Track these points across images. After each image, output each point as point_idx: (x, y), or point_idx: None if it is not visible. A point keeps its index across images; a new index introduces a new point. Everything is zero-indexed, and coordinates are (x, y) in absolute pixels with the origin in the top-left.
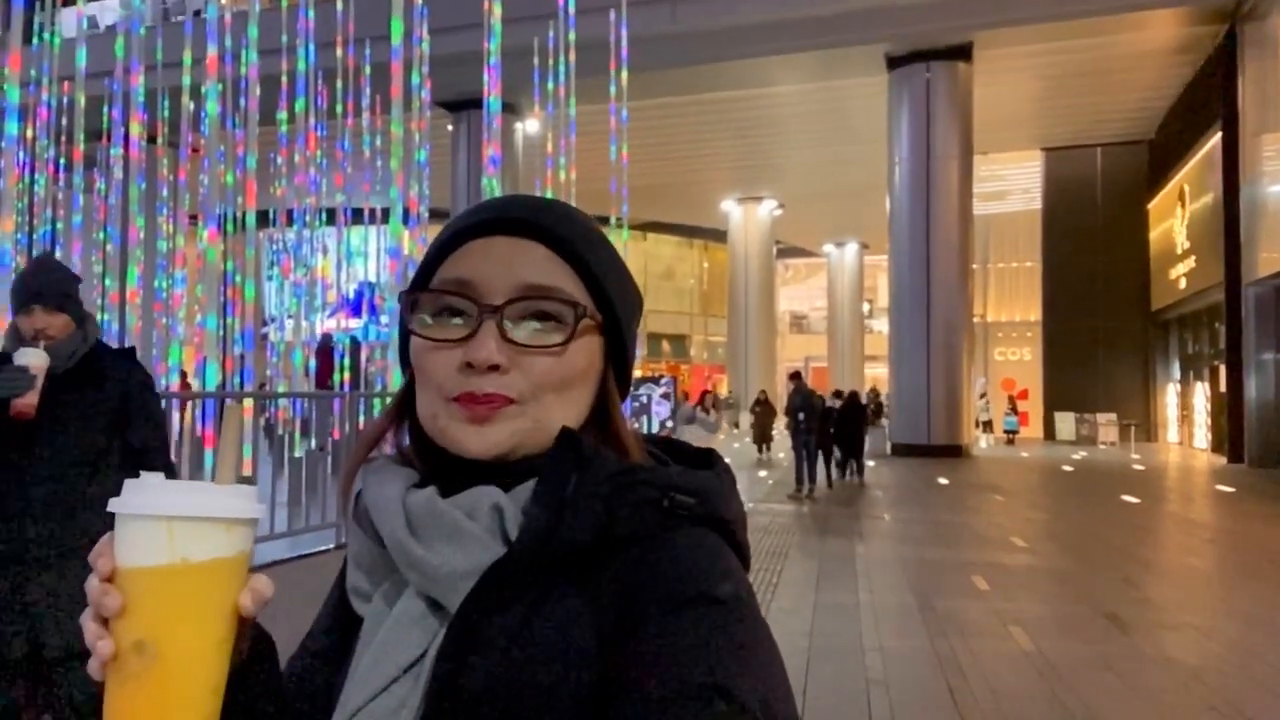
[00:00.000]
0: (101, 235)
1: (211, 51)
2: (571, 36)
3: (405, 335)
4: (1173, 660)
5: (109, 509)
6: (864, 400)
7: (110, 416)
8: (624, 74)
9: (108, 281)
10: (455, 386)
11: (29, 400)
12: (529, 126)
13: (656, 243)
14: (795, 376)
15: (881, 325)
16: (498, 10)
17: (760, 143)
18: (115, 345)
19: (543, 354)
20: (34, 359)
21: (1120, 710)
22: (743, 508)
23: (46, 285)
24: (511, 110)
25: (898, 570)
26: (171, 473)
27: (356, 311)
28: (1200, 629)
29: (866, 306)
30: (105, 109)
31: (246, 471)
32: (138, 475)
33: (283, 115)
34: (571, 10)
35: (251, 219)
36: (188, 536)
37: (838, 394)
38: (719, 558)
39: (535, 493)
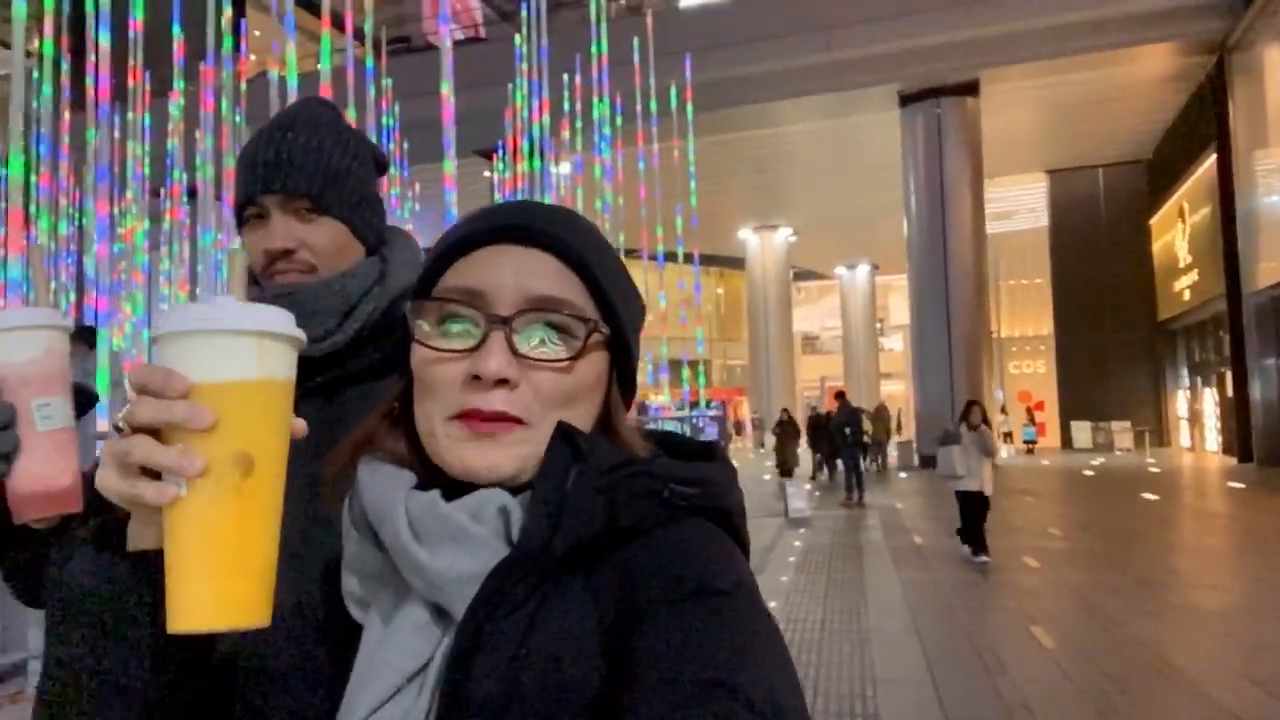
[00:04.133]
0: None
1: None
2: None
3: (404, 341)
4: (1197, 607)
5: (165, 328)
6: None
7: None
8: (689, 117)
9: None
10: (458, 402)
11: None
12: (561, 169)
13: (675, 272)
14: (840, 395)
15: (893, 344)
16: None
17: (777, 176)
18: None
19: (551, 369)
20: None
21: (1163, 636)
22: (743, 499)
23: (295, 158)
24: (540, 154)
25: (955, 558)
26: None
27: None
28: (1217, 587)
29: (878, 325)
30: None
31: None
32: None
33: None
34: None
35: None
36: (272, 353)
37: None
38: (720, 548)
39: (535, 490)
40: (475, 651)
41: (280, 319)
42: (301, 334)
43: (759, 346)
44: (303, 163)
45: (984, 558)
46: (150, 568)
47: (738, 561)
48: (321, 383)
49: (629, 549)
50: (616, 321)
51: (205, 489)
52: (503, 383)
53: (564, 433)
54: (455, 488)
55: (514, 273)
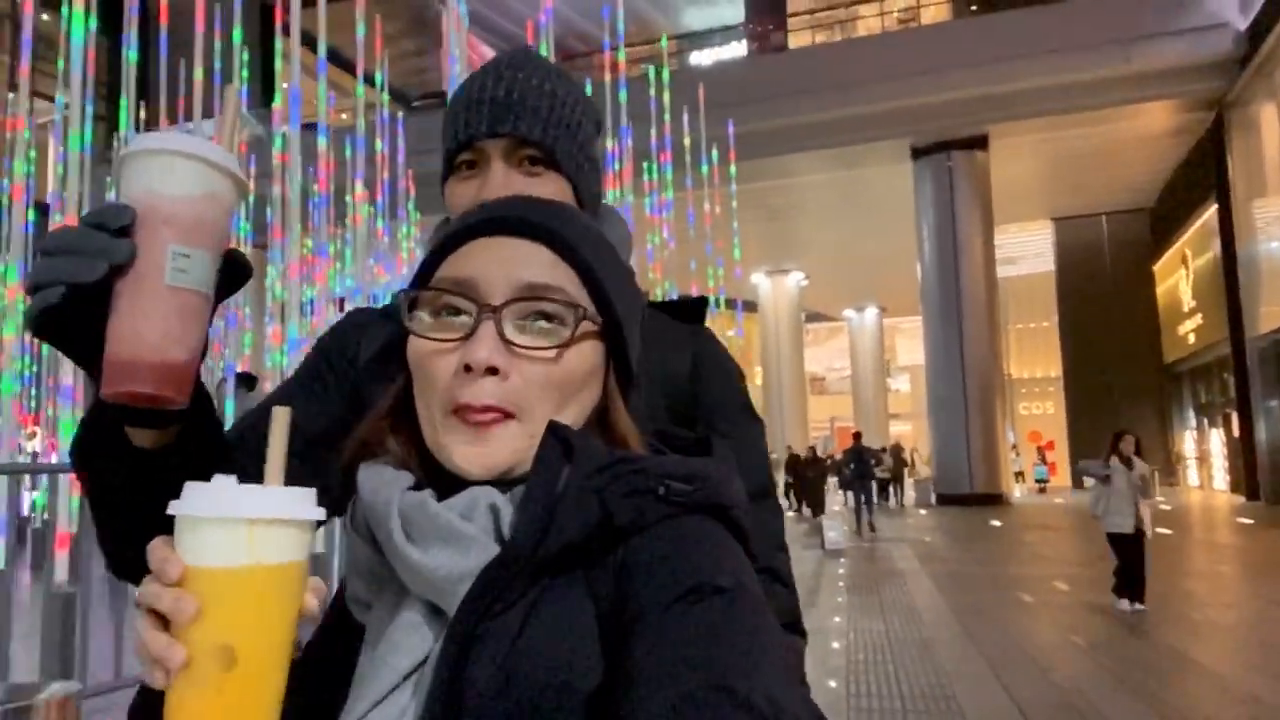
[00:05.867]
0: None
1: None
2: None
3: (402, 337)
4: (1213, 620)
5: (170, 511)
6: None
7: None
8: (732, 169)
9: None
10: (453, 395)
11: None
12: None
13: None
14: (857, 436)
15: (900, 384)
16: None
17: (789, 222)
18: None
19: (541, 357)
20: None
21: (1184, 640)
22: (743, 491)
23: (529, 99)
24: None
25: (991, 581)
26: None
27: None
28: (1230, 605)
29: (885, 366)
30: None
31: None
32: None
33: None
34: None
35: None
36: (266, 538)
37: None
38: (717, 545)
39: (526, 490)
40: (467, 650)
41: (283, 502)
42: (315, 514)
43: (772, 387)
44: (536, 105)
45: (1136, 606)
46: None
47: (736, 558)
48: None
49: (626, 547)
50: (611, 312)
51: (186, 680)
52: (493, 372)
53: (555, 431)
54: (451, 488)
55: (505, 262)
